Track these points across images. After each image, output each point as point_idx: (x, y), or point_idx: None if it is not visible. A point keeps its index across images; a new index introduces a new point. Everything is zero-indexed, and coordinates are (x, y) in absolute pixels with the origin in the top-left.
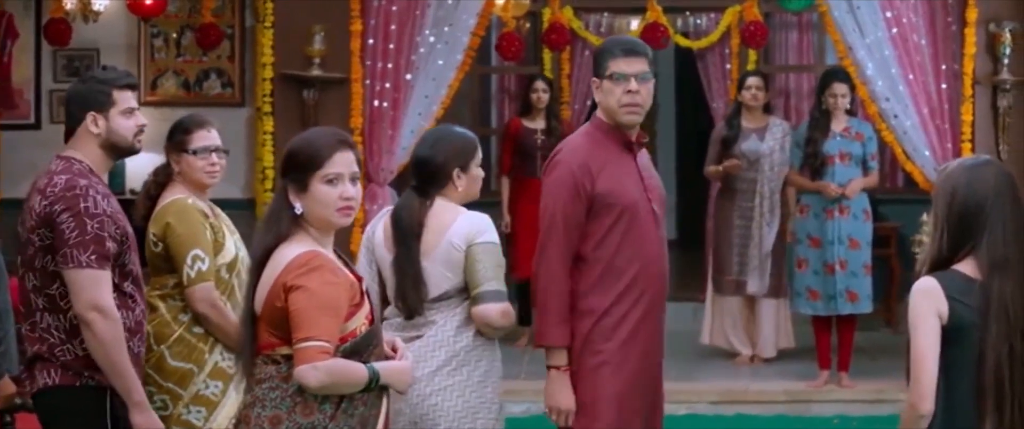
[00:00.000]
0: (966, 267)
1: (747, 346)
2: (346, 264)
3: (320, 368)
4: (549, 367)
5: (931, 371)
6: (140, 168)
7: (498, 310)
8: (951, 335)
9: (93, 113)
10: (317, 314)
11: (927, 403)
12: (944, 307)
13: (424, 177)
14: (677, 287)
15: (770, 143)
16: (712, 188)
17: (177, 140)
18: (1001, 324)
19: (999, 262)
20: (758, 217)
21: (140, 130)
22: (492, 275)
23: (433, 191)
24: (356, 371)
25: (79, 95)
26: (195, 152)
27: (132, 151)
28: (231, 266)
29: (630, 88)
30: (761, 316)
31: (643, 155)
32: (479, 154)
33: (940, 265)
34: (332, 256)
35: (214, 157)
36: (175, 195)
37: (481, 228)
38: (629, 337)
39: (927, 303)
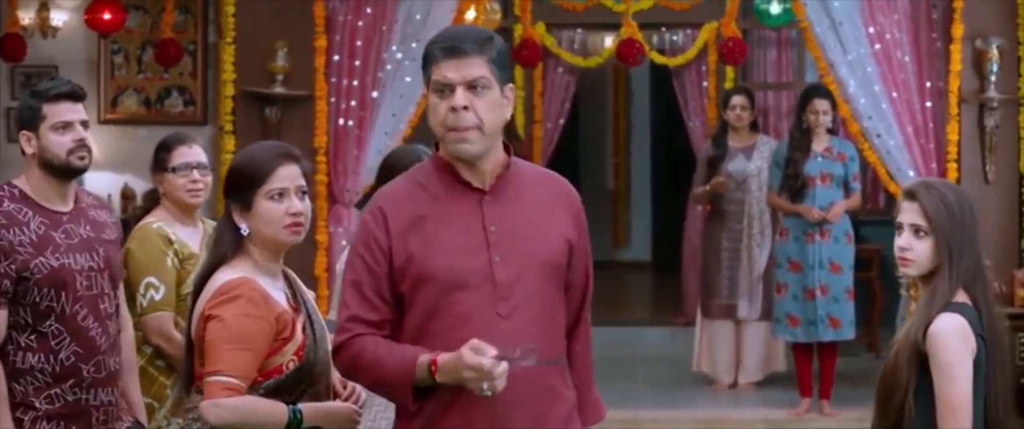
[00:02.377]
0: (961, 297)
1: (730, 374)
2: (293, 292)
3: (222, 405)
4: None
5: (970, 418)
6: (99, 189)
7: None
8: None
9: (25, 132)
10: (226, 347)
11: None
12: (973, 344)
13: None
14: (653, 311)
15: (758, 162)
16: (690, 208)
17: (159, 159)
18: (1002, 354)
19: (985, 287)
20: (747, 239)
21: (78, 145)
22: (334, 304)
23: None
24: (270, 411)
25: (15, 113)
26: (174, 170)
27: (70, 170)
28: None
29: (454, 104)
30: (748, 340)
31: (523, 196)
32: None
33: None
34: (270, 283)
35: (195, 174)
36: (149, 219)
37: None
38: None
39: (964, 345)
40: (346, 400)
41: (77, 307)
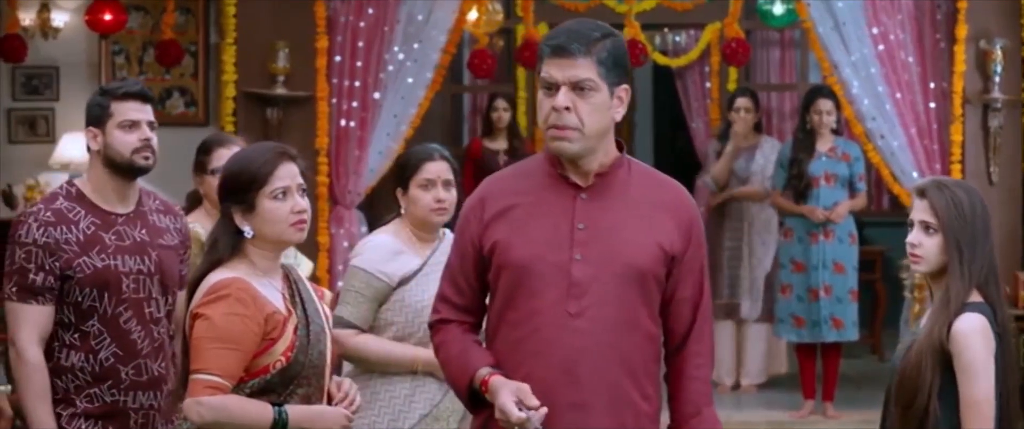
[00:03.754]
0: (976, 297)
1: (732, 375)
2: (293, 291)
3: (204, 404)
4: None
5: (994, 416)
6: None
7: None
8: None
9: (92, 128)
10: (211, 346)
11: None
12: (994, 343)
13: None
14: None
15: (761, 162)
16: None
17: (199, 161)
18: (1012, 353)
19: (997, 286)
20: (748, 237)
21: (143, 145)
22: (343, 299)
23: (394, 213)
24: (254, 411)
25: (86, 110)
26: (213, 172)
27: (134, 169)
28: None
29: (556, 104)
30: (750, 341)
31: (625, 198)
32: (424, 173)
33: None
34: (266, 283)
35: None
36: (186, 220)
37: (359, 251)
38: None
39: (987, 344)
40: (340, 403)
41: (120, 309)
